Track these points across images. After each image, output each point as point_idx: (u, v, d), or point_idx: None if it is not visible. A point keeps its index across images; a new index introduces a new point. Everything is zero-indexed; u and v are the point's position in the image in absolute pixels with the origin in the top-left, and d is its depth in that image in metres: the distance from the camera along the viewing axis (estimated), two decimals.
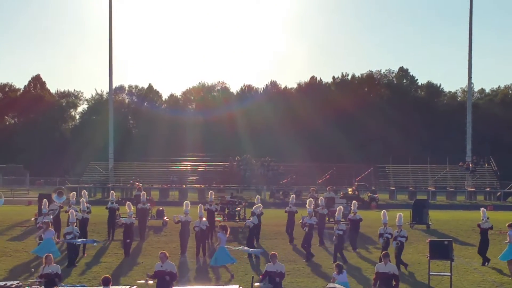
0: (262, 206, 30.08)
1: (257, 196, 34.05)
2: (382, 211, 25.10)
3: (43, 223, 24.63)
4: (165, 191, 57.31)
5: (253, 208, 28.12)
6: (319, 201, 28.38)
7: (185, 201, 27.31)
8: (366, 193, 53.62)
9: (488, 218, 24.92)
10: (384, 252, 18.22)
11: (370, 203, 49.24)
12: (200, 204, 27.38)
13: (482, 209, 25.88)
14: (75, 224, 24.46)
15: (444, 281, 20.16)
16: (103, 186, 59.15)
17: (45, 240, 23.21)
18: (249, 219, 27.18)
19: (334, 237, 25.08)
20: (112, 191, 35.28)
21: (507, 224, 22.87)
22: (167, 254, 17.39)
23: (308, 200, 28.62)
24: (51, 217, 27.68)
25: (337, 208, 26.87)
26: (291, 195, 31.69)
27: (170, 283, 16.43)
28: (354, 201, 30.14)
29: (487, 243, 24.81)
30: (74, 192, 32.27)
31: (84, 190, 33.88)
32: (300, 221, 28.57)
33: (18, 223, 35.61)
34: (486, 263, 24.24)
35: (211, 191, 33.46)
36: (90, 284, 18.62)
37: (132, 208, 27.69)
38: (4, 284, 16.65)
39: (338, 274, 17.76)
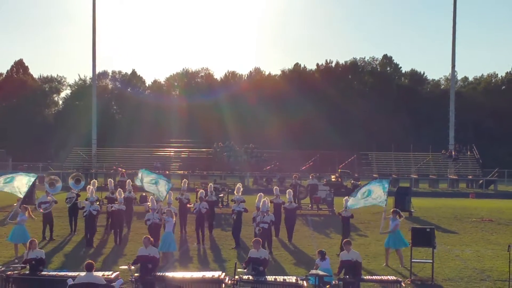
0: (214, 193, 30.18)
1: (210, 184, 33.23)
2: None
3: (21, 207, 24.24)
4: None
5: (200, 193, 27.67)
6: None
7: None
8: (349, 180, 53.63)
9: (346, 208, 24.57)
10: (345, 240, 18.25)
11: (353, 190, 49.33)
12: (170, 191, 26.55)
13: (345, 198, 25.59)
14: (156, 211, 23.79)
15: (426, 268, 20.27)
16: (86, 171, 58.84)
17: (17, 226, 23.00)
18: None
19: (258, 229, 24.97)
20: (128, 180, 33.55)
21: (391, 210, 22.87)
22: (151, 239, 17.41)
23: (236, 187, 28.55)
24: (68, 205, 27.47)
25: (258, 195, 26.71)
26: (237, 186, 30.43)
27: (152, 268, 16.47)
28: (289, 190, 28.66)
29: (348, 231, 24.46)
30: (95, 180, 32.02)
31: (94, 180, 33.28)
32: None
33: (0, 208, 35.43)
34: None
35: (184, 180, 32.06)
36: (74, 270, 18.57)
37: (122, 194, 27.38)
38: None
39: (321, 260, 17.84)
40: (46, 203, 27.04)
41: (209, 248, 25.30)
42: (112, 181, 31.77)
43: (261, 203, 24.47)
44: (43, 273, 16.68)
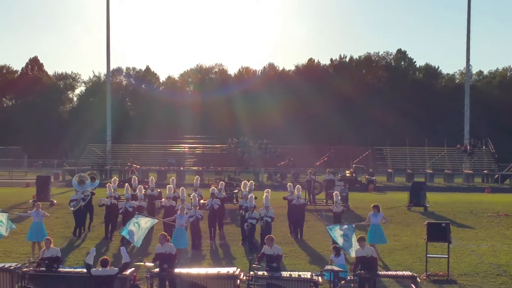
0: (224, 190, 30.16)
1: (221, 181, 33.14)
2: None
3: (35, 204, 24.41)
4: (163, 174, 57.18)
5: (211, 189, 27.68)
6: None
7: (169, 185, 26.97)
8: (364, 176, 53.54)
9: (336, 203, 24.35)
10: (360, 236, 18.15)
11: (367, 186, 49.30)
12: (182, 187, 26.44)
13: (335, 192, 25.44)
14: (198, 207, 24.01)
15: (441, 263, 20.22)
16: (101, 168, 59.04)
17: (34, 223, 23.04)
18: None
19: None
20: (152, 177, 33.52)
21: (372, 205, 22.78)
22: (167, 236, 17.40)
23: (242, 182, 28.60)
24: (81, 204, 27.65)
25: (242, 182, 27.19)
26: (243, 182, 30.19)
27: (170, 265, 16.43)
28: (297, 186, 27.97)
29: None
30: (116, 178, 32.06)
31: (115, 177, 33.40)
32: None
33: (16, 205, 35.62)
34: None
35: (197, 176, 32.11)
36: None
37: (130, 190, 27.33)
38: (3, 266, 16.68)
39: (336, 256, 17.80)
40: (74, 201, 27.20)
41: (221, 244, 25.23)
42: (136, 178, 31.63)
43: (248, 199, 24.54)
44: (59, 269, 16.68)
